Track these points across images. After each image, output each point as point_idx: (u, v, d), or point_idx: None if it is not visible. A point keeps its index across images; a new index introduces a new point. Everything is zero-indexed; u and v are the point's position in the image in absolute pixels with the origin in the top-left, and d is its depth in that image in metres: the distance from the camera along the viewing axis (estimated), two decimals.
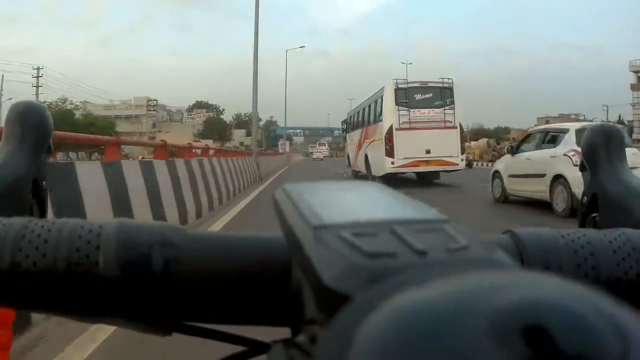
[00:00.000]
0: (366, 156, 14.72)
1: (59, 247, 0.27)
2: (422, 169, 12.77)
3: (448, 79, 13.23)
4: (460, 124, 12.83)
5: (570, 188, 7.07)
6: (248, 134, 71.68)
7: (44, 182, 0.40)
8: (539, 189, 7.95)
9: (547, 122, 78.07)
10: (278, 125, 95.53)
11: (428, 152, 12.53)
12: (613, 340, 0.14)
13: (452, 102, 12.89)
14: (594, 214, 0.42)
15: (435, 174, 13.50)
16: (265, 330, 0.30)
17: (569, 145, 7.32)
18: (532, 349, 0.14)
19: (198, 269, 0.28)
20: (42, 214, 0.40)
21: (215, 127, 77.58)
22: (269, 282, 0.28)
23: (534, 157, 8.27)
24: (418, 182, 13.11)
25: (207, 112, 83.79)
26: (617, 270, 0.31)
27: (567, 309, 0.14)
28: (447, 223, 0.22)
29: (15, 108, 0.40)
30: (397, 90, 12.92)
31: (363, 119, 15.85)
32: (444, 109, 12.83)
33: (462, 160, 12.98)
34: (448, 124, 12.71)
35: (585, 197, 0.43)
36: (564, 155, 7.35)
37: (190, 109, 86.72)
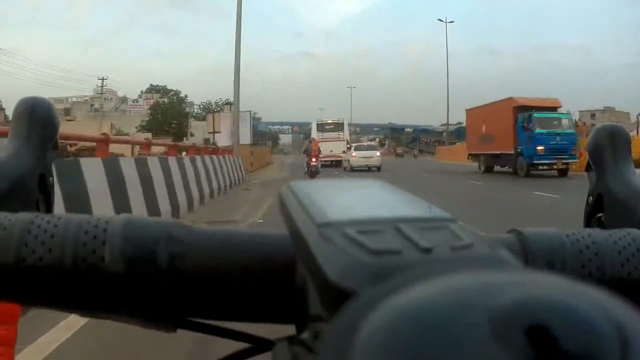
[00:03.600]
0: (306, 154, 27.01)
1: (65, 242, 0.27)
2: (329, 159, 27.95)
3: (340, 118, 33.85)
4: (347, 139, 31.43)
5: None
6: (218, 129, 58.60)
7: (50, 178, 0.40)
8: None
9: (593, 115, 63.93)
10: (262, 121, 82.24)
11: (332, 151, 29.41)
12: (615, 340, 0.14)
13: (342, 127, 32.47)
14: (600, 214, 0.43)
15: (339, 162, 28.03)
16: (269, 328, 0.30)
17: None
18: (535, 348, 0.14)
19: (203, 265, 0.28)
20: (48, 209, 0.40)
21: (168, 116, 57.53)
22: (273, 279, 0.28)
23: None
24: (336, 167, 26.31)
25: (160, 97, 62.86)
26: (622, 270, 0.31)
27: (569, 308, 0.14)
28: (451, 222, 0.22)
29: (22, 104, 0.40)
30: (317, 124, 33.15)
31: (309, 135, 32.36)
32: (338, 132, 32.03)
33: (344, 154, 28.11)
34: (340, 138, 31.17)
35: (591, 197, 0.44)
36: None
37: (143, 96, 65.96)
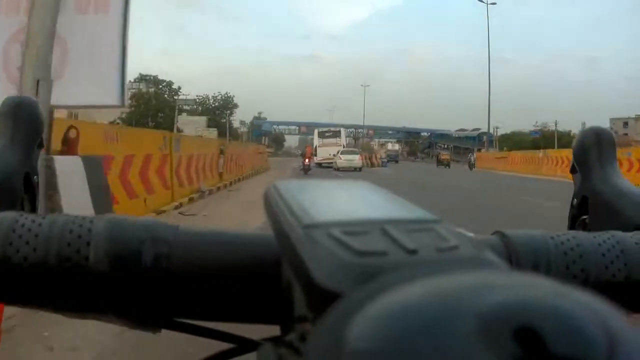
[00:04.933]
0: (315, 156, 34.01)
1: (50, 241, 0.27)
2: (327, 161, 31.79)
3: (337, 128, 41.25)
4: (343, 144, 36.53)
5: None
6: (214, 125, 51.09)
7: (35, 177, 0.40)
8: None
9: (626, 123, 57.75)
10: (267, 120, 75.32)
11: (331, 155, 32.06)
12: (601, 341, 0.14)
13: (339, 134, 38.53)
14: (584, 217, 0.43)
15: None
16: (254, 328, 0.30)
17: None
18: (522, 349, 0.14)
19: (188, 265, 0.28)
20: (33, 208, 0.40)
21: (152, 108, 51.85)
22: (259, 280, 0.28)
23: None
24: (335, 170, 27.57)
25: (148, 88, 56.39)
26: (606, 272, 0.31)
27: (556, 310, 0.14)
28: (437, 223, 0.22)
29: (6, 103, 0.40)
30: (318, 131, 39.95)
31: (313, 141, 39.47)
32: (336, 138, 37.39)
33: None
34: (338, 144, 35.61)
35: (575, 200, 0.43)
36: None
37: (128, 85, 59.77)
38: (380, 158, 42.72)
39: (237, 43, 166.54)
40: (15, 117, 0.39)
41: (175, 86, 57.42)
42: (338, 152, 30.69)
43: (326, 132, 39.20)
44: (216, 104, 64.75)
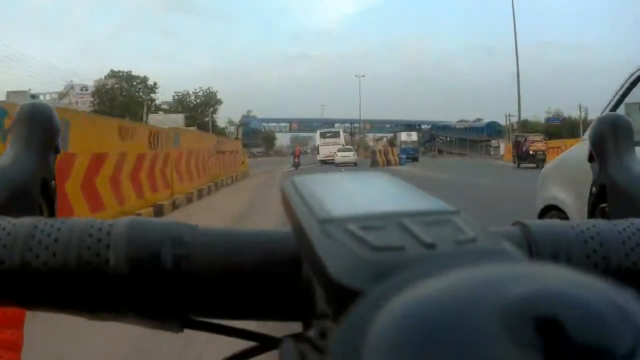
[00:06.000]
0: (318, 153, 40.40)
1: (70, 245, 0.28)
2: (328, 158, 35.59)
3: (336, 129, 46.97)
4: (342, 143, 40.11)
5: None
6: (195, 124, 45.14)
7: (52, 182, 0.40)
8: None
9: None
10: (256, 118, 69.73)
11: (331, 152, 35.93)
12: (625, 330, 0.14)
13: (339, 135, 42.61)
14: (603, 205, 0.43)
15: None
16: (277, 326, 0.30)
17: None
18: (545, 340, 0.14)
19: (208, 265, 0.28)
20: (51, 213, 0.40)
21: (116, 104, 45.73)
22: (279, 277, 0.28)
23: None
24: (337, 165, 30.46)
25: (114, 85, 49.80)
26: (627, 260, 0.31)
27: (578, 299, 0.14)
28: (455, 214, 0.22)
29: (22, 109, 0.40)
30: (320, 132, 43.83)
31: (315, 141, 46.51)
32: (335, 138, 41.45)
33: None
34: (337, 143, 39.30)
35: (594, 188, 0.43)
36: None
37: (96, 81, 50.85)
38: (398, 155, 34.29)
39: (226, 42, 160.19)
40: (30, 122, 0.39)
41: (150, 82, 51.86)
42: (337, 150, 36.11)
43: (327, 132, 44.23)
44: (198, 100, 59.14)
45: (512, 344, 0.13)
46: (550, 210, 3.12)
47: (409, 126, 74.97)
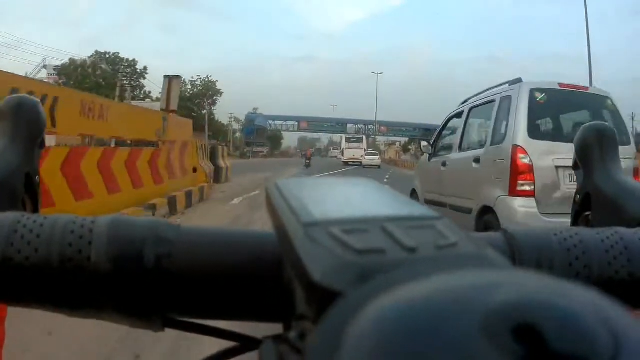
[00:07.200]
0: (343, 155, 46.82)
1: (52, 242, 0.27)
2: (352, 161, 42.12)
3: (360, 135, 54.84)
4: (364, 148, 47.16)
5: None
6: (189, 116, 38.47)
7: (36, 177, 0.39)
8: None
9: None
10: (262, 115, 63.34)
11: (354, 155, 43.33)
12: (605, 339, 0.14)
13: (362, 140, 49.71)
14: (587, 213, 0.43)
15: (360, 162, 39.97)
16: (258, 326, 0.30)
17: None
18: (525, 347, 0.13)
19: (190, 264, 0.28)
20: (35, 208, 0.40)
21: (85, 87, 34.19)
22: (261, 278, 0.28)
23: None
24: (359, 167, 34.37)
25: (94, 66, 41.63)
26: (609, 269, 0.31)
27: (559, 307, 0.14)
28: (437, 220, 0.22)
29: (7, 103, 0.40)
30: (346, 137, 52.04)
31: (340, 143, 58.40)
32: (359, 143, 48.13)
33: (362, 157, 41.54)
34: (360, 147, 46.56)
35: (578, 196, 0.44)
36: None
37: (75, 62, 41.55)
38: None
39: (234, 42, 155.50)
40: (16, 117, 0.39)
41: (140, 67, 44.91)
42: (363, 154, 42.19)
43: (352, 138, 50.67)
44: (194, 90, 52.59)
45: (492, 350, 0.13)
46: (414, 193, 6.24)
47: (429, 130, 68.50)
